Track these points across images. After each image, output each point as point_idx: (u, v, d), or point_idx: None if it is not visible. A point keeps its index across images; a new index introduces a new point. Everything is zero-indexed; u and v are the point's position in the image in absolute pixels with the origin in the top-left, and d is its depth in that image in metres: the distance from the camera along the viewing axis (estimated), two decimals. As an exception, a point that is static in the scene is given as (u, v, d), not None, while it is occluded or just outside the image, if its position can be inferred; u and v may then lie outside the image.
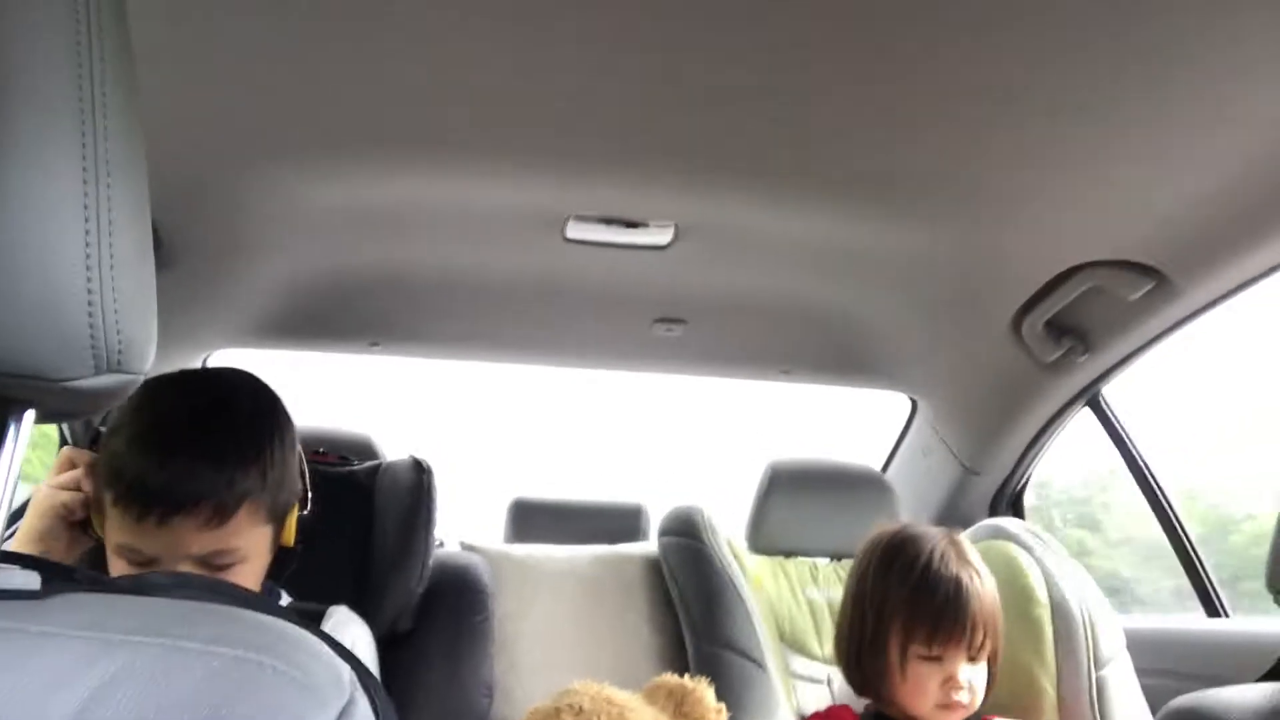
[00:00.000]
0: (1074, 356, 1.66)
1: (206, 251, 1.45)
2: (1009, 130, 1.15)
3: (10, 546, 1.02)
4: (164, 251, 1.37)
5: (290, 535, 1.06)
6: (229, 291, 1.63)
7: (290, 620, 0.47)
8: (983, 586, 1.27)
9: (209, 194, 1.31)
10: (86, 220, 0.44)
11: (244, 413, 1.00)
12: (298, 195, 1.34)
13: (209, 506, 0.92)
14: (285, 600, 1.15)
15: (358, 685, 0.43)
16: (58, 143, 0.43)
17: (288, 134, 1.18)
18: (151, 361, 0.51)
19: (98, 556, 1.01)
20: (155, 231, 1.33)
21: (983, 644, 1.24)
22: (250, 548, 0.98)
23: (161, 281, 1.49)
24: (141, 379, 0.50)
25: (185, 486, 0.91)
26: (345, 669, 0.44)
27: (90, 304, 0.44)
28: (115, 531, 0.94)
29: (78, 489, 1.01)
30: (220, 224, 1.39)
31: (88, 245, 0.44)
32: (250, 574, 1.00)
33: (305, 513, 1.10)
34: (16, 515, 1.59)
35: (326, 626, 1.12)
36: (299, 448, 1.09)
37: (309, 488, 1.11)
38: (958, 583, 1.24)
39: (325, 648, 0.45)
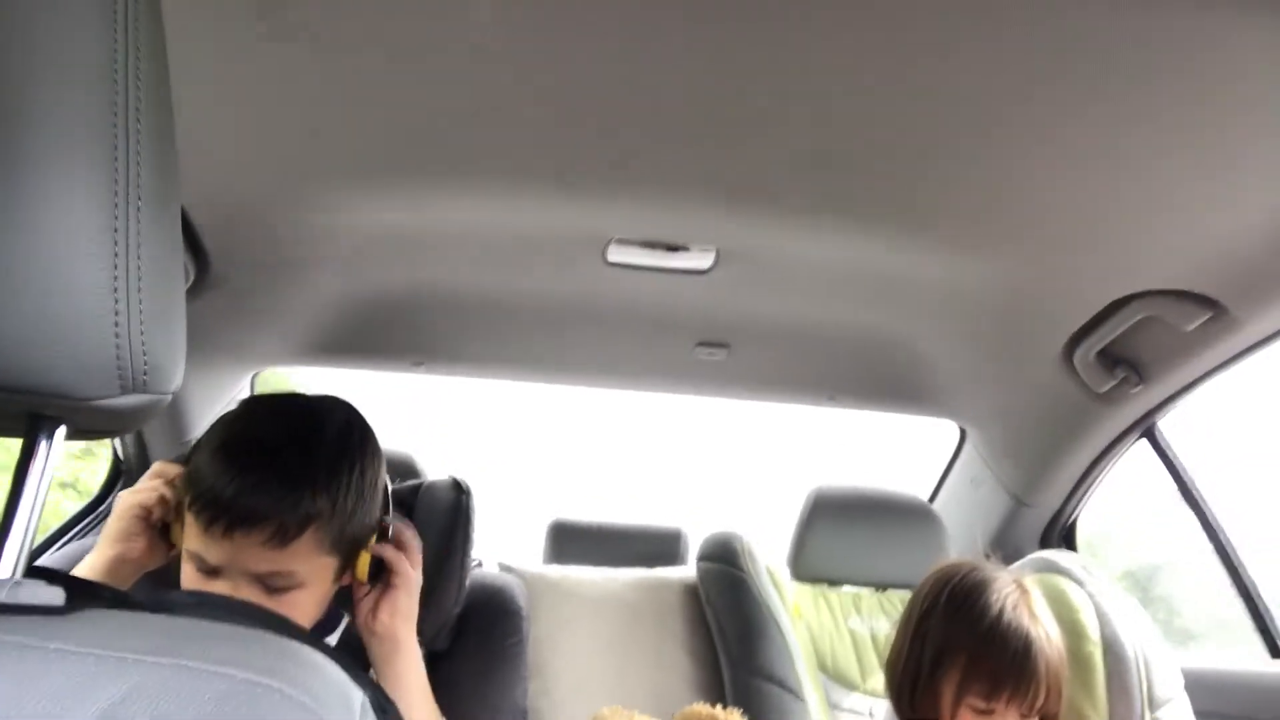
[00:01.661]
0: (1128, 387, 1.61)
1: (254, 271, 1.47)
2: (1059, 159, 1.12)
3: (93, 550, 1.04)
4: (212, 271, 1.40)
5: (362, 572, 1.04)
6: (275, 310, 1.66)
7: (305, 642, 0.47)
8: (1051, 646, 1.21)
9: (256, 216, 1.33)
10: (115, 244, 0.45)
11: (328, 440, 0.99)
12: (342, 218, 1.36)
13: (271, 525, 0.92)
14: (345, 623, 1.14)
15: (369, 711, 0.43)
16: (89, 167, 0.44)
17: (331, 159, 1.21)
18: (179, 382, 0.51)
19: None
20: (204, 251, 1.37)
21: (1041, 705, 1.20)
22: (310, 574, 0.97)
23: (209, 300, 1.50)
24: (169, 399, 0.51)
25: (251, 501, 0.92)
26: (357, 694, 0.43)
27: (117, 326, 0.45)
28: (188, 537, 0.96)
29: (158, 494, 1.03)
30: (267, 245, 1.41)
31: (115, 269, 0.45)
32: (308, 601, 0.98)
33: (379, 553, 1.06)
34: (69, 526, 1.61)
35: None
36: (386, 486, 1.07)
37: (388, 527, 1.08)
38: (1028, 640, 1.19)
39: (338, 671, 0.44)
